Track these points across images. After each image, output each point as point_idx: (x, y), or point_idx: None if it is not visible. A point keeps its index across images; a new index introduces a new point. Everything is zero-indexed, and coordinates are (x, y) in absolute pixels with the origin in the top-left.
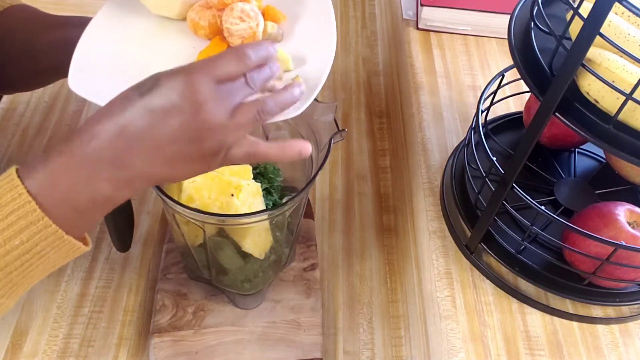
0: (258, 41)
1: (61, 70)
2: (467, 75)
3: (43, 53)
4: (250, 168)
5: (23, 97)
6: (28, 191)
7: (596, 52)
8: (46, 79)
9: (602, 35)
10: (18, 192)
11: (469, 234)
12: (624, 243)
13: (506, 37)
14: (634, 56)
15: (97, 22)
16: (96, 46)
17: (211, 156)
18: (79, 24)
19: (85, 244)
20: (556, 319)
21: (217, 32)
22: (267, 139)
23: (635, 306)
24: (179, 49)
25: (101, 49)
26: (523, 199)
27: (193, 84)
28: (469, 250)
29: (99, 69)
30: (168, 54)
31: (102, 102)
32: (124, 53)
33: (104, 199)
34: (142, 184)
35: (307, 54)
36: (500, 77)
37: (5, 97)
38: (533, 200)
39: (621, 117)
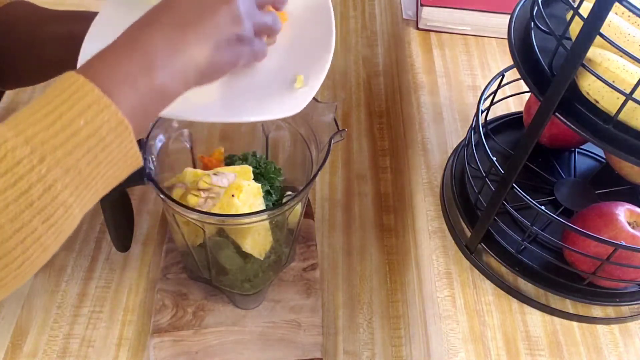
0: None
1: (65, 64)
2: (467, 75)
3: (47, 47)
4: (251, 169)
5: (23, 96)
6: (86, 78)
7: (596, 52)
8: (49, 73)
9: (602, 35)
10: (75, 79)
11: (469, 234)
12: (624, 243)
13: (506, 37)
14: (634, 56)
15: (103, 16)
16: (103, 39)
17: (244, 42)
18: (82, 17)
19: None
20: (556, 319)
21: None
22: (267, 139)
23: (635, 306)
24: None
25: (108, 42)
26: (523, 199)
27: None
28: (469, 250)
29: None
30: None
31: None
32: None
33: (161, 86)
34: (194, 73)
35: (307, 51)
36: (500, 77)
37: (5, 97)
38: (533, 200)
39: (621, 117)
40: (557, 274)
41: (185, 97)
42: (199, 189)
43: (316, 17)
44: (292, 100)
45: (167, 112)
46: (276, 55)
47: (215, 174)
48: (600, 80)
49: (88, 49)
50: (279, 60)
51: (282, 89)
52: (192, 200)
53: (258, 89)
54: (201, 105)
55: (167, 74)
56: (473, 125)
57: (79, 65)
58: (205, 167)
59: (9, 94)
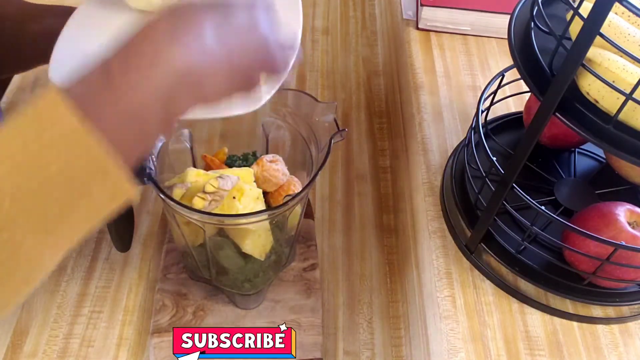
0: None
1: (44, 59)
2: (467, 75)
3: (32, 43)
4: (252, 172)
5: (22, 97)
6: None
7: (596, 52)
8: (28, 66)
9: (602, 35)
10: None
11: (469, 234)
12: (624, 243)
13: (506, 37)
14: (634, 56)
15: (79, 14)
16: (77, 38)
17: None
18: (61, 13)
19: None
20: (556, 319)
21: None
22: (267, 139)
23: (635, 306)
24: None
25: (82, 41)
26: (523, 199)
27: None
28: (469, 250)
29: (80, 61)
30: None
31: None
32: (104, 45)
33: (150, 138)
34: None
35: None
36: (500, 77)
37: (5, 97)
38: (533, 200)
39: (621, 117)
40: (557, 274)
41: None
42: (205, 192)
43: (284, 5)
44: (255, 95)
45: None
46: None
47: (220, 177)
48: (600, 80)
49: (61, 47)
50: None
51: None
52: (198, 203)
53: None
54: None
55: (161, 128)
56: (473, 125)
57: (51, 61)
58: (208, 167)
59: (8, 93)
